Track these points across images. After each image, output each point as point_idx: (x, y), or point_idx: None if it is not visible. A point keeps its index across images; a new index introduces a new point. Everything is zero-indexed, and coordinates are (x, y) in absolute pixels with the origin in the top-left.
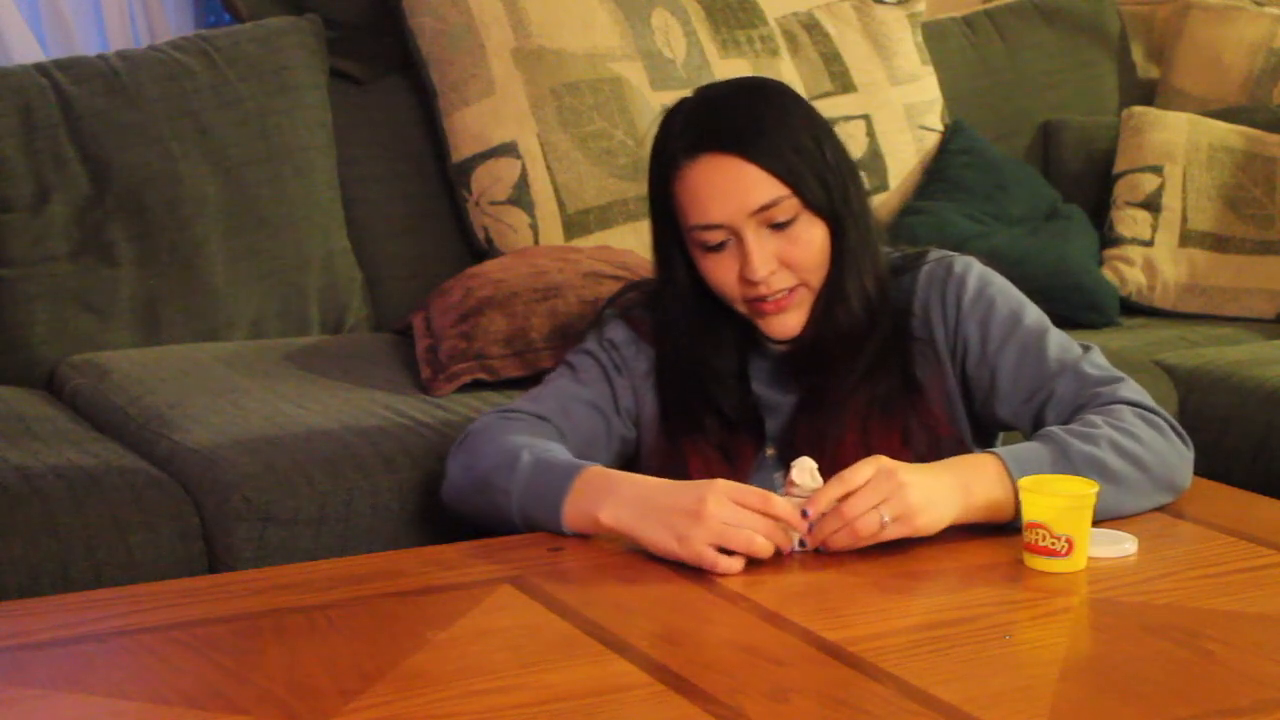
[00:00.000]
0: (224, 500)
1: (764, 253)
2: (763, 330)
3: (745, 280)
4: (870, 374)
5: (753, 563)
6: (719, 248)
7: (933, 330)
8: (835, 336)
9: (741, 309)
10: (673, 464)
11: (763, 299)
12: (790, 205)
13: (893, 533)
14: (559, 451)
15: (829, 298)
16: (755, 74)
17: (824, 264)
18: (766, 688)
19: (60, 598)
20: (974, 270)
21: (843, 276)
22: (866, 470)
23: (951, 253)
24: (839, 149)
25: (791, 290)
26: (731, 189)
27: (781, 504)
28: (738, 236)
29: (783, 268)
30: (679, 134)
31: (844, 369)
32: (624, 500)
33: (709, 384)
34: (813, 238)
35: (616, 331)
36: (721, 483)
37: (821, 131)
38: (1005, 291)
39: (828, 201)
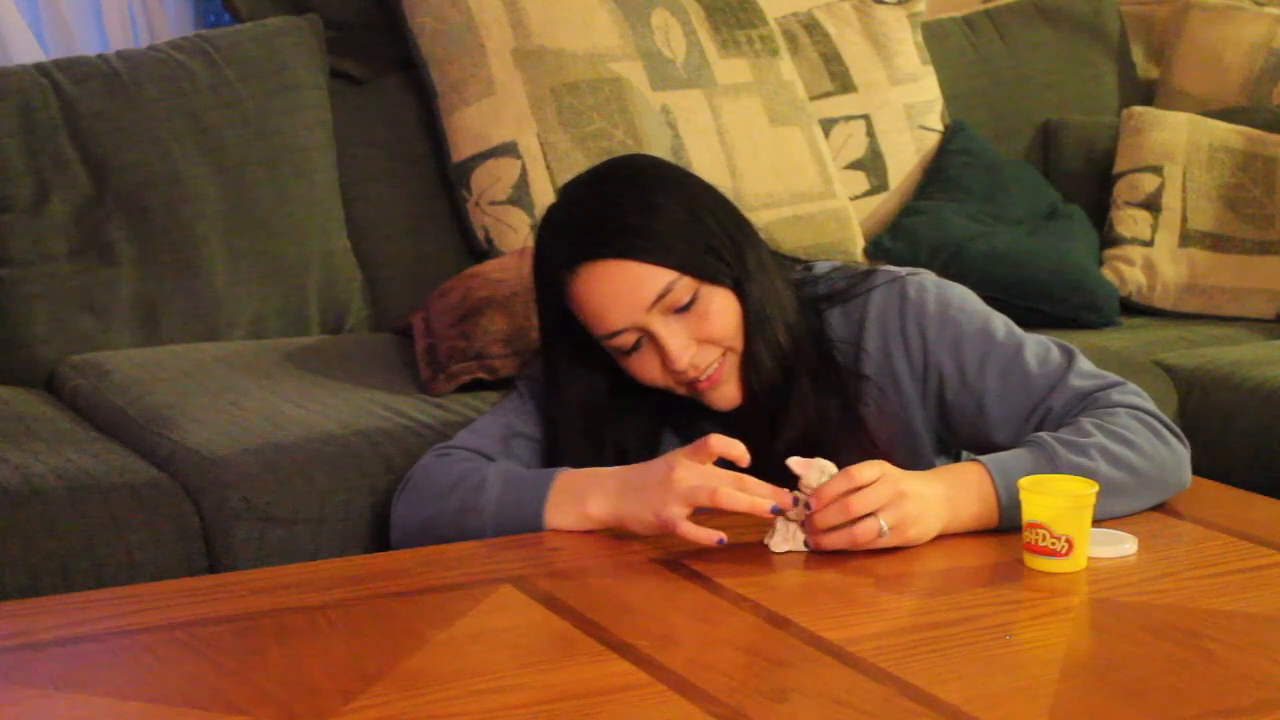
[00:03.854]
0: (224, 500)
1: (678, 340)
2: (707, 405)
3: (670, 373)
4: (800, 411)
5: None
6: (636, 348)
7: (893, 365)
8: (755, 399)
9: (686, 392)
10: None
11: (695, 380)
12: (686, 286)
13: (886, 542)
14: (523, 467)
15: (743, 366)
16: (755, 75)
17: (741, 326)
18: (766, 688)
19: (60, 598)
20: (929, 291)
21: (751, 340)
22: (872, 471)
23: (899, 271)
24: (721, 209)
25: (721, 361)
26: (621, 292)
27: (734, 445)
28: (647, 332)
29: (703, 345)
30: (553, 251)
31: (769, 425)
32: (609, 489)
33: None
34: (722, 307)
35: None
36: (687, 448)
37: (698, 199)
38: (966, 307)
39: (725, 268)
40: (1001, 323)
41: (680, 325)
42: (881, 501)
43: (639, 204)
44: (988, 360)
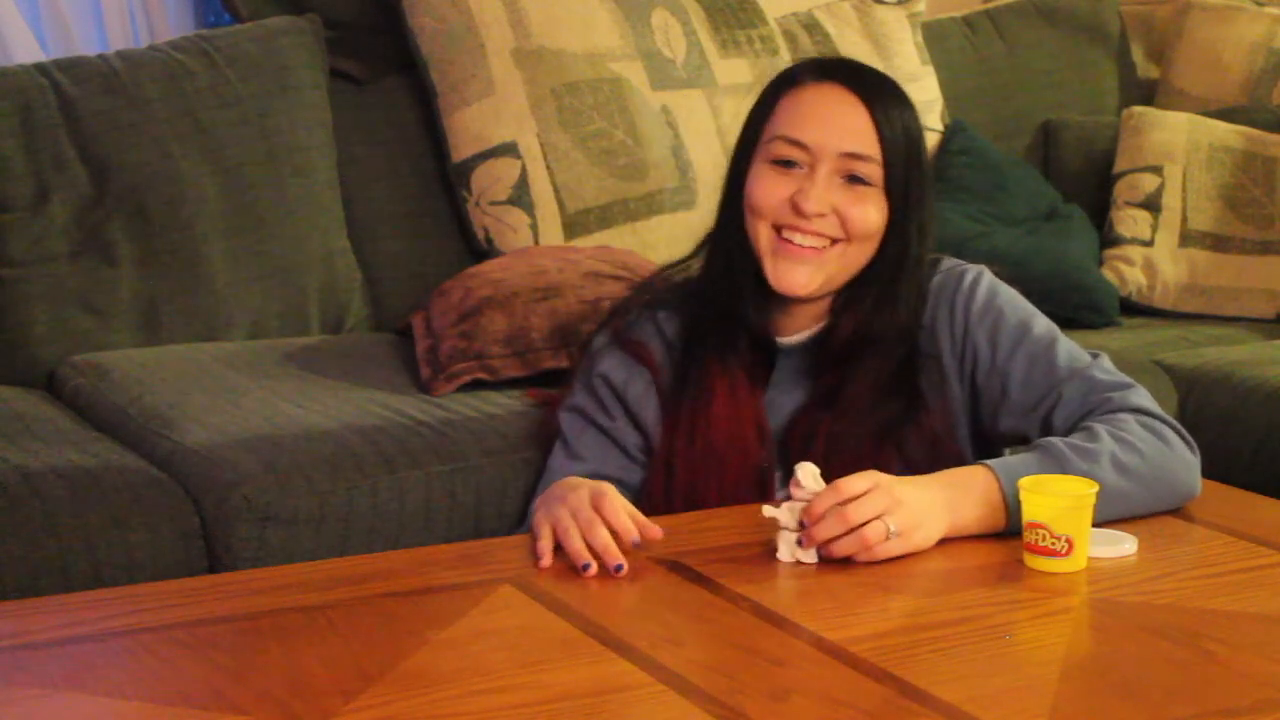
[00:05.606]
0: (224, 500)
1: (825, 194)
2: (771, 278)
3: (793, 206)
4: (890, 387)
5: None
6: (786, 166)
7: (940, 343)
8: (872, 336)
9: (766, 243)
10: (677, 429)
11: (796, 232)
12: (874, 170)
13: (894, 547)
14: None
15: (879, 297)
16: (756, 75)
17: (870, 242)
18: (766, 688)
19: (60, 598)
20: (984, 282)
21: (898, 281)
22: (863, 483)
23: (963, 263)
24: (929, 164)
25: (831, 243)
26: (838, 120)
27: (603, 535)
28: (812, 167)
29: (833, 216)
30: (812, 65)
31: (868, 373)
32: (543, 496)
33: (732, 297)
34: (873, 213)
35: (608, 362)
36: (601, 495)
37: (922, 139)
38: (1013, 302)
39: (903, 192)
40: (1043, 321)
41: (838, 191)
42: (879, 510)
43: (901, 96)
44: (1019, 348)
